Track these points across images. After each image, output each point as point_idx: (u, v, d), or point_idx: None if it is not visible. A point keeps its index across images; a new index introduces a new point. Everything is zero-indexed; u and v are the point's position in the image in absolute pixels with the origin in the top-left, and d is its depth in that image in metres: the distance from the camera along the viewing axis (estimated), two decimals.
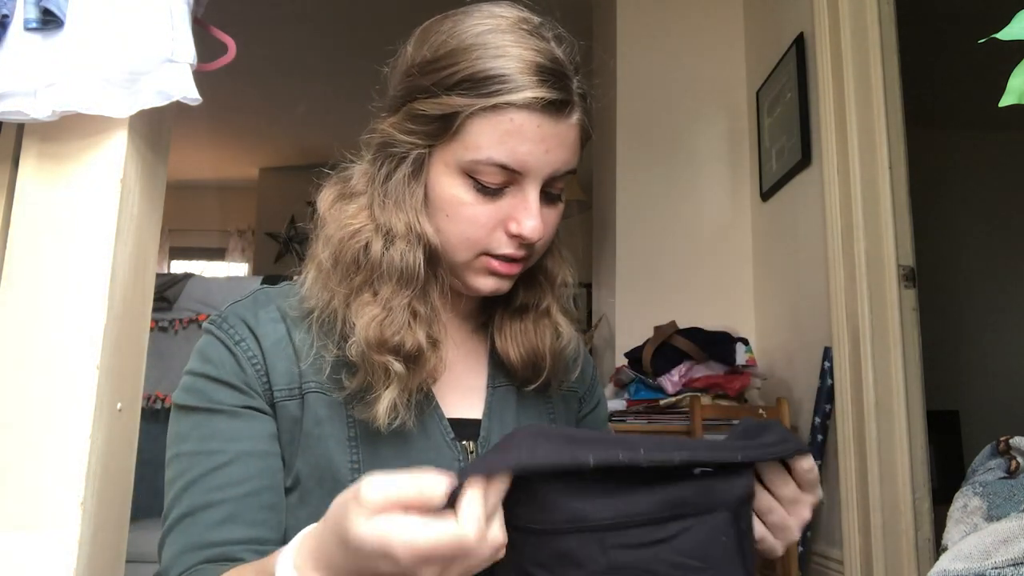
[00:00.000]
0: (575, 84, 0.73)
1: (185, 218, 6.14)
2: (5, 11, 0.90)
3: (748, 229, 2.84)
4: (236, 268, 6.50)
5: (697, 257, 2.83)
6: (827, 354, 2.12)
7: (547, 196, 0.73)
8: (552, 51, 0.71)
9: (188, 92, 0.97)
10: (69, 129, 0.96)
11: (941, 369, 3.11)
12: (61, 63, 0.91)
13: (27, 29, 0.91)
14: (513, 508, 0.51)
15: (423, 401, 0.75)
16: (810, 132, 2.31)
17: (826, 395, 2.11)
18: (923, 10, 2.62)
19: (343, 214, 0.75)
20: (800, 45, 2.38)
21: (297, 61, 4.30)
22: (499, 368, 0.83)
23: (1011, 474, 1.04)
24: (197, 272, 2.81)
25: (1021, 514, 0.93)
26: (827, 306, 2.11)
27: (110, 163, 0.97)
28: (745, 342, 2.44)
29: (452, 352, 0.79)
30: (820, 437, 2.13)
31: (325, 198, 0.77)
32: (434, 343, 0.73)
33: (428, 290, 0.74)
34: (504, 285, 0.75)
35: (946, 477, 2.96)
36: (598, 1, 3.36)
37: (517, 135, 0.68)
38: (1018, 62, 0.71)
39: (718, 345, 2.39)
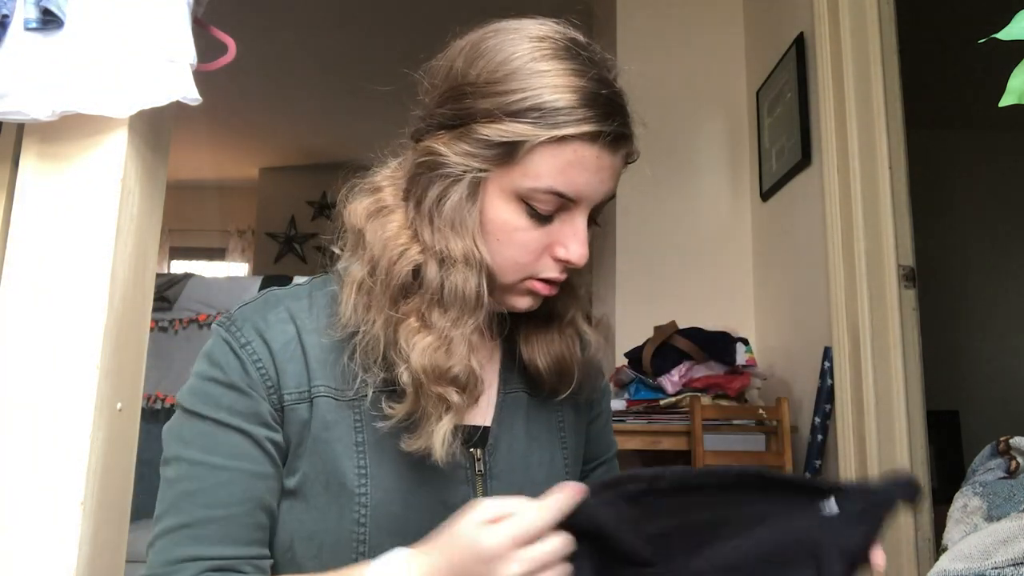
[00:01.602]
0: (629, 117, 0.76)
1: (185, 218, 6.14)
2: (5, 11, 0.90)
3: (748, 229, 2.84)
4: (236, 268, 6.50)
5: (697, 257, 2.83)
6: (827, 354, 2.12)
7: (590, 220, 0.76)
8: (610, 81, 0.74)
9: (188, 92, 0.97)
10: (69, 129, 0.96)
11: (941, 369, 3.11)
12: (61, 63, 0.91)
13: (27, 29, 0.91)
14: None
15: None
16: (810, 132, 2.31)
17: (826, 395, 2.11)
18: (923, 10, 2.62)
19: (384, 231, 0.73)
20: (800, 45, 2.38)
21: (297, 61, 4.30)
22: (511, 374, 0.82)
23: (1011, 474, 1.04)
24: (197, 272, 2.81)
25: (1021, 514, 0.93)
26: (827, 306, 2.11)
27: (110, 163, 0.97)
28: (745, 342, 2.44)
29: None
30: (820, 437, 2.13)
31: (358, 211, 0.75)
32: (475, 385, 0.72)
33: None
34: (538, 303, 0.77)
35: (946, 477, 2.97)
36: (598, 2, 3.36)
37: (578, 166, 0.70)
38: (1018, 62, 0.71)
39: (718, 345, 2.39)
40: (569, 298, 0.82)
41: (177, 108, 1.04)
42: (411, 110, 0.78)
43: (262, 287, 2.24)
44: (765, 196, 2.68)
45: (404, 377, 0.69)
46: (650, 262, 2.83)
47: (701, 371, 2.35)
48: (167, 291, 2.57)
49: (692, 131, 2.92)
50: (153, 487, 0.72)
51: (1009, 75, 0.72)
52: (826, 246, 2.12)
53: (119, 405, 0.98)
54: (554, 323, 0.81)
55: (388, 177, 0.77)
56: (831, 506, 0.60)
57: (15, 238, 0.95)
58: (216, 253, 6.58)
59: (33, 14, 0.91)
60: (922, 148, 2.45)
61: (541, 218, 0.71)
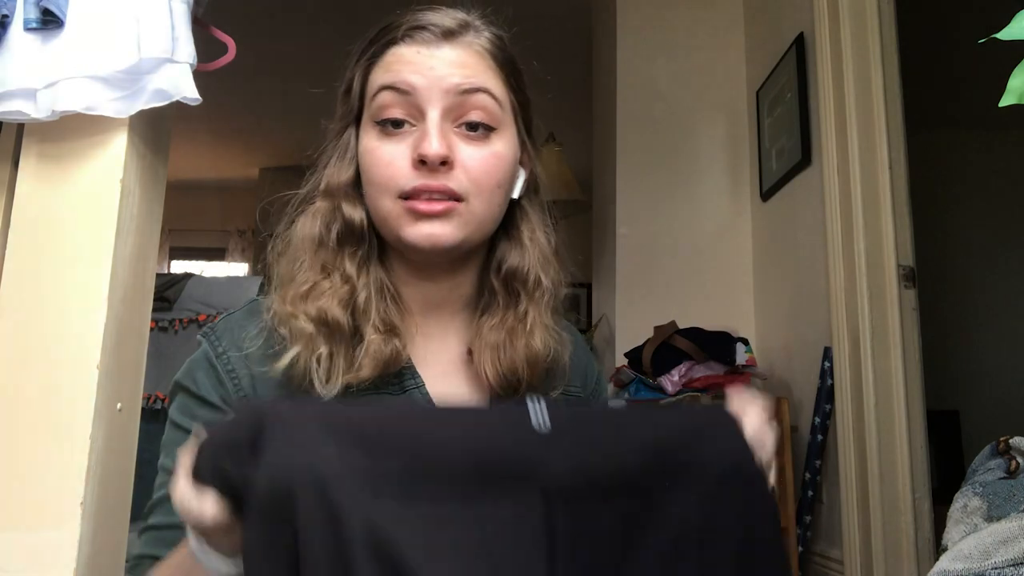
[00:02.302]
0: (474, 23, 0.74)
1: (185, 218, 6.13)
2: (5, 11, 0.90)
3: (748, 229, 2.84)
4: (236, 268, 6.49)
5: (697, 257, 2.83)
6: (827, 354, 2.12)
7: (468, 129, 0.71)
8: (450, 9, 0.74)
9: (188, 92, 0.97)
10: (69, 129, 0.96)
11: (941, 369, 3.11)
12: (61, 63, 0.91)
13: (27, 29, 0.91)
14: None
15: (419, 400, 0.74)
16: (810, 132, 2.31)
17: (826, 395, 2.11)
18: (923, 10, 2.62)
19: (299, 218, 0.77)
20: (800, 45, 2.38)
21: (297, 61, 4.30)
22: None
23: (1011, 474, 1.04)
24: (197, 272, 2.81)
25: (1021, 514, 0.93)
26: (827, 306, 2.11)
27: (110, 163, 0.97)
28: (745, 342, 2.44)
29: (446, 355, 0.78)
30: (820, 437, 2.13)
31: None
32: (384, 328, 0.71)
33: (361, 264, 0.73)
34: (438, 231, 0.69)
35: (946, 477, 2.97)
36: (598, 1, 3.36)
37: (398, 61, 0.71)
38: (1018, 62, 0.71)
39: (718, 345, 2.39)
40: (515, 290, 0.77)
41: (177, 108, 1.04)
42: None
43: (262, 287, 2.24)
44: (765, 196, 2.68)
45: (279, 326, 0.70)
46: (650, 262, 2.83)
47: (701, 371, 2.34)
48: (167, 291, 2.57)
49: (692, 131, 2.92)
50: (153, 487, 0.72)
51: (1009, 75, 0.72)
52: (826, 246, 2.12)
53: (119, 405, 0.98)
54: (498, 316, 0.77)
55: None
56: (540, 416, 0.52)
57: (15, 238, 0.95)
58: (216, 253, 6.58)
59: (33, 14, 0.91)
60: (922, 148, 2.45)
61: (392, 131, 0.70)
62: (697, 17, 2.97)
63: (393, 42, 0.72)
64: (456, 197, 0.70)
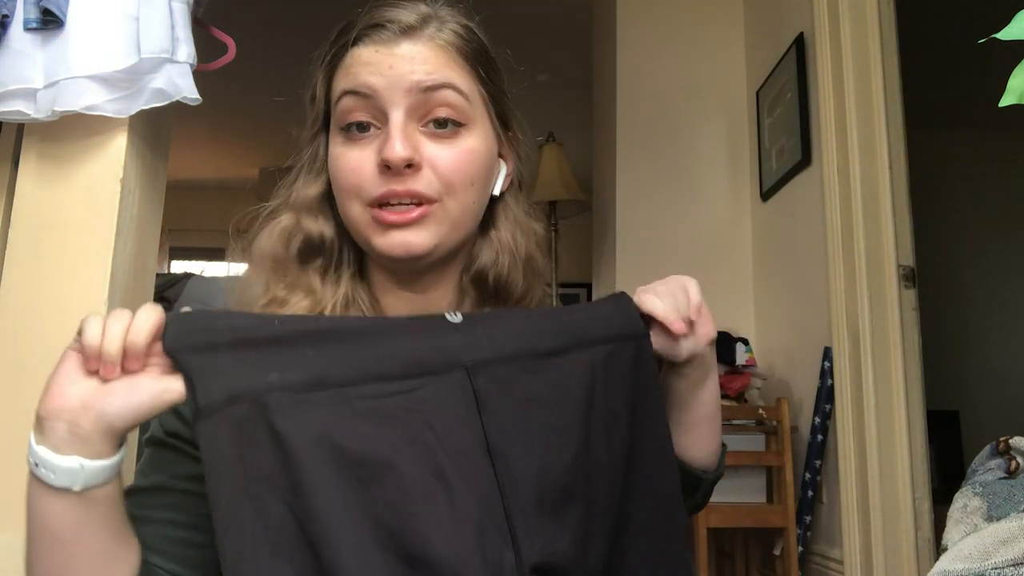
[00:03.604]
0: (437, 13, 0.71)
1: (185, 218, 6.13)
2: (5, 11, 0.90)
3: (748, 229, 2.84)
4: (236, 268, 6.49)
5: (697, 257, 2.83)
6: (827, 354, 2.12)
7: (435, 127, 0.68)
8: (411, 4, 0.71)
9: (188, 92, 0.97)
10: (69, 129, 0.96)
11: (941, 369, 3.11)
12: (61, 63, 0.91)
13: (27, 29, 0.91)
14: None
15: None
16: (810, 132, 2.31)
17: (826, 395, 2.11)
18: (923, 10, 2.62)
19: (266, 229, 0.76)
20: (800, 45, 2.38)
21: (297, 61, 4.30)
22: None
23: (1011, 474, 1.04)
24: (197, 272, 2.81)
25: (1021, 514, 0.93)
26: (827, 306, 2.11)
27: (110, 163, 0.97)
28: (745, 342, 2.44)
29: None
30: (820, 437, 2.13)
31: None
32: None
33: (329, 277, 0.72)
34: (411, 239, 0.67)
35: (946, 477, 2.96)
36: (598, 1, 3.36)
37: (357, 65, 0.68)
38: (1018, 62, 0.71)
39: (718, 345, 2.38)
40: (497, 295, 0.75)
41: (177, 108, 1.04)
42: None
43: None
44: (765, 196, 2.68)
45: None
46: (650, 262, 2.83)
47: None
48: (167, 291, 2.56)
49: (692, 131, 2.92)
50: None
51: (1009, 75, 0.72)
52: (826, 246, 2.12)
53: None
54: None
55: None
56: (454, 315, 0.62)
57: (15, 238, 0.95)
58: (216, 253, 6.58)
59: (33, 14, 0.91)
60: (922, 148, 2.45)
61: (354, 134, 0.68)
62: (697, 17, 2.97)
63: (351, 43, 0.69)
64: (427, 200, 0.67)
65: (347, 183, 0.68)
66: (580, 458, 0.60)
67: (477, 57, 0.71)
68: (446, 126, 0.68)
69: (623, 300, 0.69)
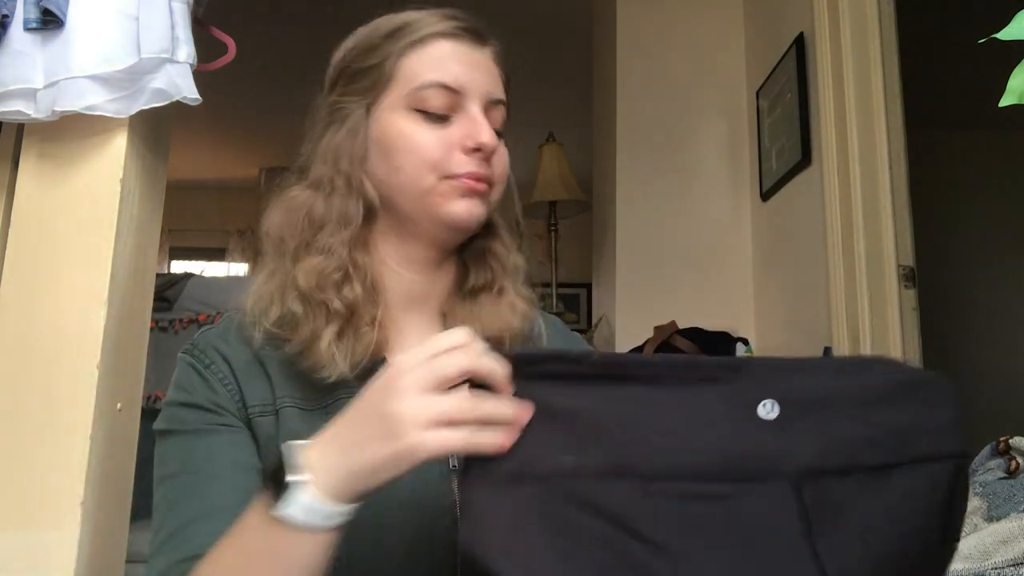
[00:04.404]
0: (486, 32, 0.80)
1: (185, 218, 6.13)
2: (5, 11, 0.90)
3: (748, 229, 2.84)
4: (236, 268, 6.49)
5: (697, 257, 2.83)
6: (827, 354, 2.11)
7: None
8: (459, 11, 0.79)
9: (188, 92, 0.97)
10: (69, 129, 0.96)
11: (941, 369, 3.10)
12: (61, 63, 0.91)
13: (27, 29, 0.91)
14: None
15: None
16: (810, 132, 2.31)
17: None
18: (923, 10, 2.62)
19: (285, 207, 0.77)
20: (800, 45, 2.38)
21: (297, 61, 4.30)
22: None
23: (1011, 474, 1.04)
24: (197, 272, 2.81)
25: (1021, 514, 0.93)
26: (827, 306, 2.11)
27: (110, 163, 0.97)
28: (745, 342, 2.44)
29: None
30: None
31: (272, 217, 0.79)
32: (372, 319, 0.72)
33: (371, 248, 0.76)
34: (476, 209, 0.75)
35: None
36: (598, 2, 3.36)
37: (448, 58, 0.76)
38: (1018, 62, 0.71)
39: (718, 345, 2.39)
40: (495, 270, 0.82)
41: (177, 108, 1.04)
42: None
43: None
44: (765, 196, 2.68)
45: (295, 306, 0.71)
46: (650, 262, 2.83)
47: None
48: (167, 291, 2.56)
49: (692, 131, 2.92)
50: (153, 486, 0.72)
51: (1009, 75, 0.72)
52: (826, 246, 2.12)
53: (119, 405, 0.98)
54: (481, 295, 0.81)
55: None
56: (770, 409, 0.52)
57: (15, 238, 0.95)
58: (216, 253, 6.58)
59: (33, 14, 0.91)
60: (922, 148, 2.45)
61: (436, 118, 0.75)
62: (697, 17, 2.97)
63: (438, 35, 0.76)
64: (490, 182, 0.77)
65: (430, 157, 0.74)
66: None
67: (507, 78, 0.82)
68: (497, 134, 0.78)
69: (941, 390, 0.57)
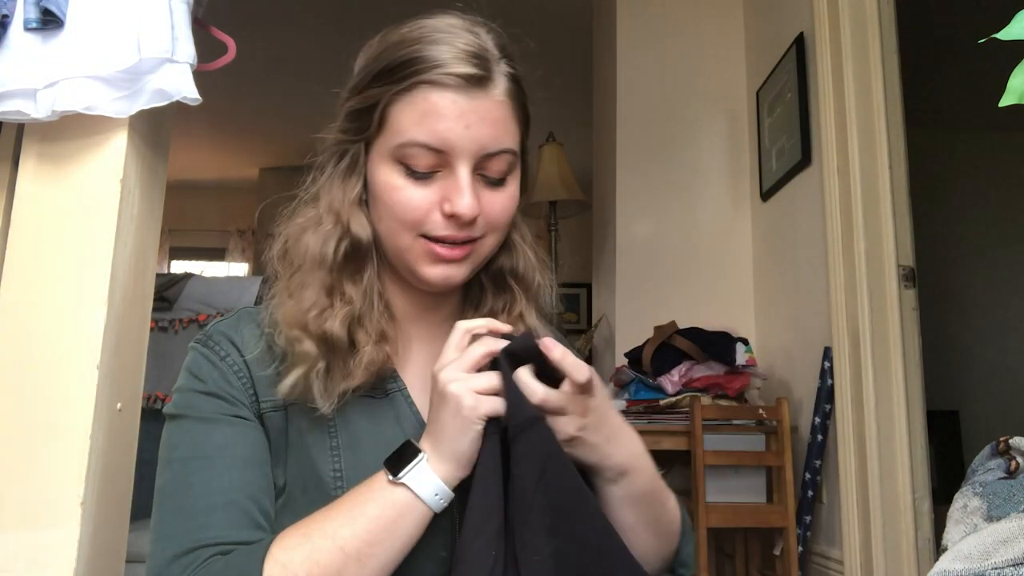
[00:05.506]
0: (497, 64, 0.72)
1: (185, 218, 6.13)
2: (5, 11, 0.90)
3: (748, 229, 2.84)
4: (236, 268, 6.49)
5: (697, 257, 2.83)
6: (827, 354, 2.12)
7: (487, 180, 0.73)
8: (471, 37, 0.72)
9: (188, 92, 0.97)
10: (69, 129, 0.96)
11: (941, 369, 3.11)
12: (61, 63, 0.91)
13: (27, 29, 0.91)
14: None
15: (401, 404, 0.75)
16: (810, 132, 2.31)
17: (826, 395, 2.11)
18: (923, 10, 2.62)
19: (295, 218, 0.78)
20: (800, 45, 2.38)
21: (297, 61, 4.30)
22: None
23: (1011, 474, 1.04)
24: (197, 272, 2.81)
25: (1021, 514, 0.93)
26: (827, 306, 2.11)
27: (110, 163, 0.97)
28: (745, 342, 2.44)
29: (427, 354, 0.79)
30: (820, 437, 2.13)
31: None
32: (376, 337, 0.73)
33: (359, 279, 0.75)
34: (453, 273, 0.74)
35: (946, 477, 2.97)
36: (598, 2, 3.37)
37: (433, 113, 0.70)
38: (1018, 62, 0.71)
39: (718, 345, 2.39)
40: (515, 292, 0.81)
41: (177, 108, 1.04)
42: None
43: (265, 281, 2.23)
44: (765, 196, 2.68)
45: (281, 340, 0.72)
46: (650, 262, 2.83)
47: (701, 371, 2.35)
48: (167, 291, 2.56)
49: (692, 131, 2.92)
50: (153, 487, 0.71)
51: (1009, 75, 0.72)
52: (826, 246, 2.12)
53: (119, 405, 0.98)
54: (498, 319, 0.79)
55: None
56: None
57: (15, 238, 0.95)
58: (216, 253, 6.58)
59: (33, 14, 0.91)
60: (922, 148, 2.45)
61: (419, 175, 0.71)
62: (697, 17, 2.97)
63: (424, 83, 0.70)
64: (473, 240, 0.74)
65: (407, 217, 0.72)
66: None
67: (523, 111, 0.76)
68: (494, 182, 0.74)
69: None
